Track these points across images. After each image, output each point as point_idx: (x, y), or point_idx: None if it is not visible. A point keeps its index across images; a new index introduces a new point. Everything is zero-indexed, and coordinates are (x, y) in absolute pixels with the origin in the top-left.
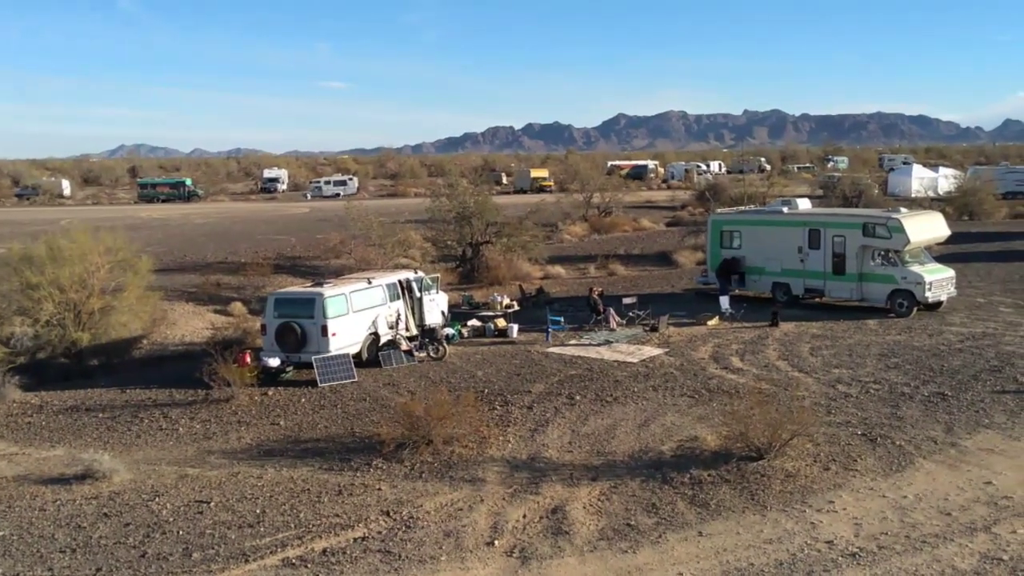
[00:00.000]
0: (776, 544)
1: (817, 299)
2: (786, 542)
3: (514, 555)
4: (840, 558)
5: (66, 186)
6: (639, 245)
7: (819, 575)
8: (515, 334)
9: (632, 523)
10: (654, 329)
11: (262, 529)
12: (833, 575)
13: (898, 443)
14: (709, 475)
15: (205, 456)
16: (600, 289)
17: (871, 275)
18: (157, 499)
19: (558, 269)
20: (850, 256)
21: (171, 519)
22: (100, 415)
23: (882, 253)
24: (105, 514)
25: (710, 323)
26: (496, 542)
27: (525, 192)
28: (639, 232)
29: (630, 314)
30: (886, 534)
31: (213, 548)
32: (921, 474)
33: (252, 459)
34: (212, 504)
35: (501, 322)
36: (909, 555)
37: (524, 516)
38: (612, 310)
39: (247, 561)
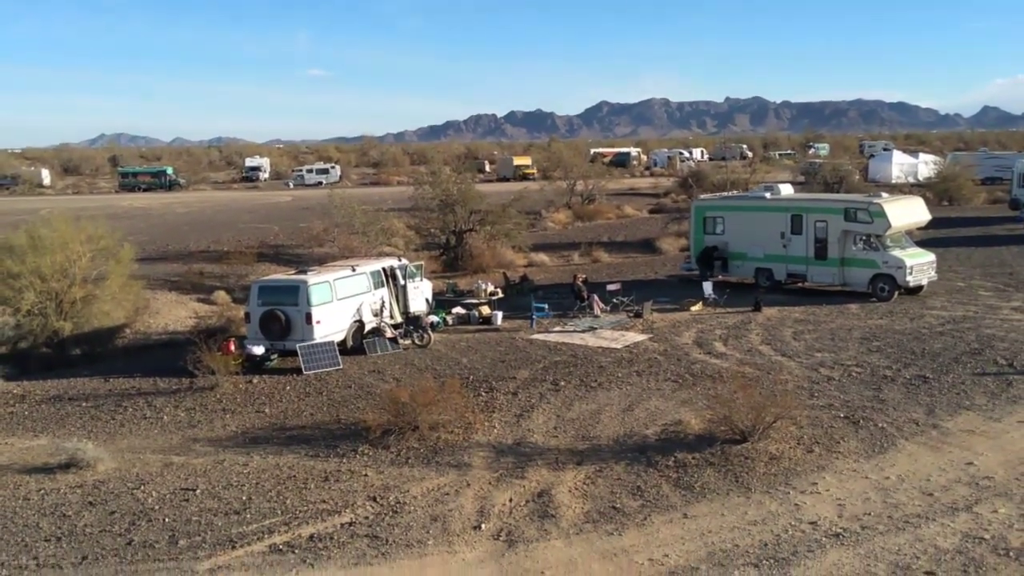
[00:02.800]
0: (760, 525)
1: (799, 284)
2: (770, 523)
3: (501, 538)
4: (824, 538)
5: (46, 175)
6: (622, 232)
7: (803, 555)
8: (499, 321)
9: (617, 506)
10: (638, 315)
11: (248, 516)
12: (817, 555)
13: (880, 425)
14: (693, 458)
15: (190, 444)
16: (584, 276)
17: (853, 260)
18: (142, 487)
19: (542, 256)
20: (832, 241)
21: (157, 507)
22: (83, 404)
23: (864, 238)
24: (90, 502)
25: (693, 309)
26: (483, 526)
27: (508, 180)
28: (622, 219)
29: (614, 300)
30: (869, 514)
31: (199, 535)
32: (903, 455)
33: (238, 446)
34: (198, 491)
35: (485, 309)
36: (892, 535)
37: (510, 500)
38: (596, 297)
39: (234, 547)
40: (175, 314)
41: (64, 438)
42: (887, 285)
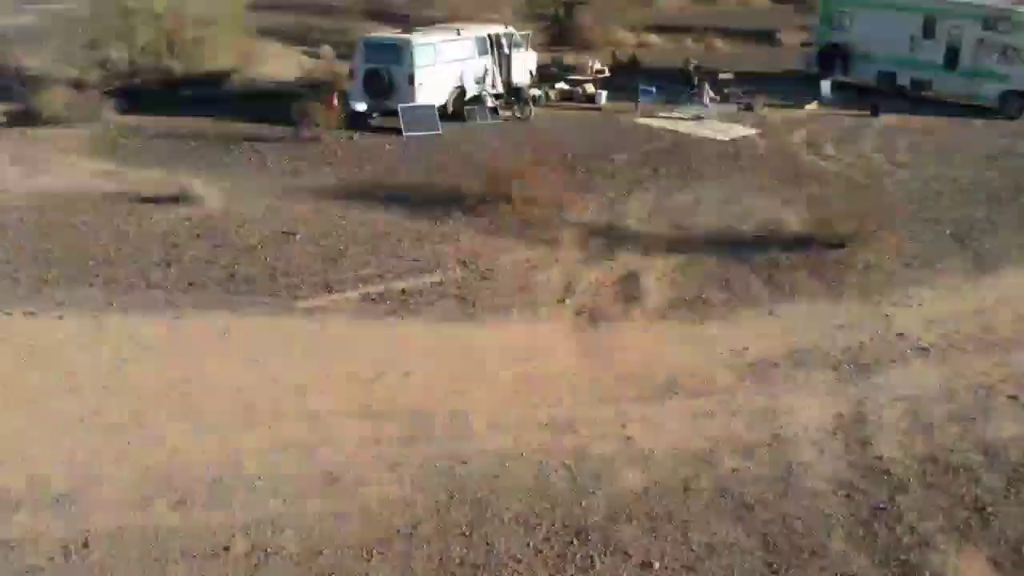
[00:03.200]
0: (846, 330)
1: (923, 93)
2: (856, 330)
3: (584, 314)
4: (909, 351)
5: None
6: (743, 20)
7: (885, 364)
8: (603, 101)
9: (704, 296)
10: (749, 108)
11: (344, 264)
12: (898, 366)
13: (987, 246)
14: (787, 258)
15: (292, 191)
16: (696, 62)
17: (985, 72)
18: (246, 226)
19: (654, 38)
20: (965, 50)
21: (259, 246)
22: (192, 143)
23: (1001, 49)
24: (197, 235)
25: (808, 107)
26: (567, 300)
27: None
28: (744, 6)
29: (725, 90)
30: (959, 334)
31: (298, 276)
32: (1005, 281)
33: (337, 199)
34: (298, 236)
35: (590, 87)
36: (980, 356)
37: (596, 279)
38: (708, 84)
39: (330, 292)
40: (281, 65)
41: (174, 172)
42: (1018, 103)
